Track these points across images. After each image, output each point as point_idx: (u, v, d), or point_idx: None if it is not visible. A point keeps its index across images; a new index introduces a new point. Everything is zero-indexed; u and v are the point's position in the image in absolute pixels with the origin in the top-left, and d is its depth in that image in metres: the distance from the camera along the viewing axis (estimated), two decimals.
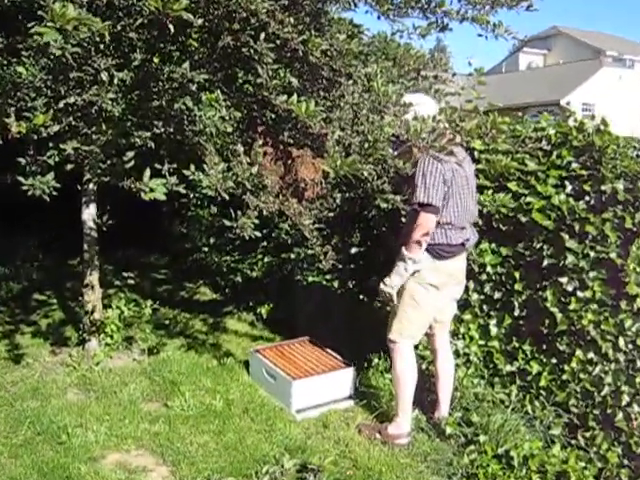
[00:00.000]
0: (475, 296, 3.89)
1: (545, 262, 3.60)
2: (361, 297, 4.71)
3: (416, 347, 3.63)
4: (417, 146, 2.65)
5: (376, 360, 4.23)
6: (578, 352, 3.54)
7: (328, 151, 2.51)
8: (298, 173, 3.10)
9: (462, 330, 3.95)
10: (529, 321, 3.74)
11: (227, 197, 2.67)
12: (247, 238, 2.75)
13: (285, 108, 2.54)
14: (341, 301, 4.89)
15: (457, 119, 2.80)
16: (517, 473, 3.09)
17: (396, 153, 3.07)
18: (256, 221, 2.82)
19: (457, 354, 3.90)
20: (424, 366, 3.96)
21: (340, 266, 4.54)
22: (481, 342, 3.93)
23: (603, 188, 3.42)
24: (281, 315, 5.19)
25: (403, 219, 3.57)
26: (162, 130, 3.07)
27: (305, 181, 3.11)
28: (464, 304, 3.86)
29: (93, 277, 4.43)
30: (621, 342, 3.41)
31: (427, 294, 3.31)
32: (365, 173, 2.81)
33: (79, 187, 4.36)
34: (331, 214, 3.87)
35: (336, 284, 5.16)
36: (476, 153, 3.84)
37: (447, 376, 3.61)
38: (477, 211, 3.49)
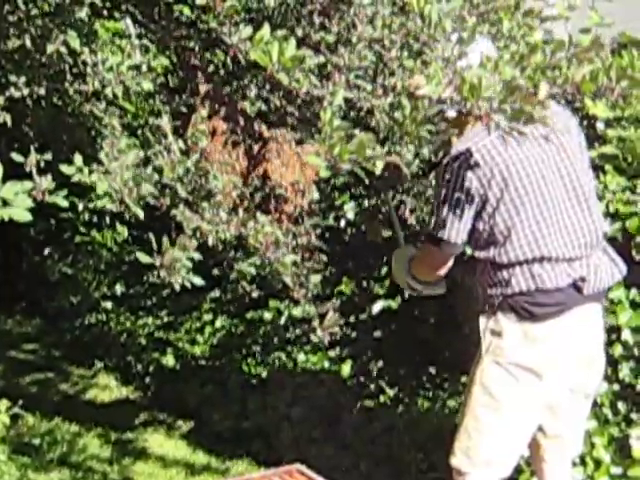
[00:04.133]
0: (603, 386, 3.90)
1: None
2: (392, 393, 4.71)
3: None
4: (474, 114, 2.67)
5: None
6: None
7: (321, 128, 2.51)
8: (271, 170, 3.13)
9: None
10: None
11: (141, 214, 2.67)
12: (178, 289, 2.75)
13: (246, 52, 2.57)
14: (358, 401, 4.90)
15: (564, 61, 2.81)
16: None
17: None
18: (196, 255, 2.84)
19: None
20: None
21: (354, 335, 4.54)
22: (615, 470, 3.93)
23: None
24: (247, 425, 5.22)
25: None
26: (25, 92, 3.09)
27: (284, 185, 3.13)
28: None
29: None
30: None
31: (515, 385, 3.29)
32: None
33: None
34: (333, 240, 3.87)
35: (347, 369, 5.16)
36: (599, 125, 3.88)
37: None
38: (600, 222, 3.47)
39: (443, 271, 3.46)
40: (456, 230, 3.28)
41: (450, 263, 3.43)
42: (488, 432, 3.36)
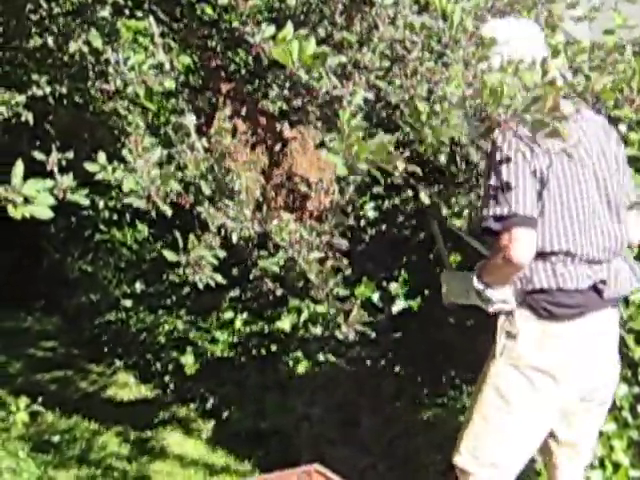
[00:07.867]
0: (623, 389, 3.91)
1: None
2: (411, 394, 4.70)
3: None
4: (496, 120, 2.65)
5: None
6: None
7: (340, 127, 2.50)
8: (295, 167, 3.12)
9: (600, 451, 3.93)
10: None
11: (169, 212, 2.68)
12: (201, 287, 2.75)
13: (268, 51, 2.57)
14: (376, 402, 4.90)
15: (585, 66, 2.80)
16: None
17: None
18: (221, 253, 2.85)
19: None
20: None
21: (373, 336, 4.54)
22: (634, 473, 3.93)
23: None
24: (266, 425, 5.22)
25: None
26: (47, 90, 3.10)
27: (308, 182, 3.13)
28: None
29: None
30: None
31: (530, 389, 3.27)
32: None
33: None
34: (353, 240, 3.87)
35: (365, 370, 5.13)
36: (621, 128, 3.86)
37: None
38: (627, 232, 3.46)
39: (523, 258, 3.11)
40: (524, 203, 3.13)
41: (527, 254, 3.12)
42: (497, 434, 3.35)
